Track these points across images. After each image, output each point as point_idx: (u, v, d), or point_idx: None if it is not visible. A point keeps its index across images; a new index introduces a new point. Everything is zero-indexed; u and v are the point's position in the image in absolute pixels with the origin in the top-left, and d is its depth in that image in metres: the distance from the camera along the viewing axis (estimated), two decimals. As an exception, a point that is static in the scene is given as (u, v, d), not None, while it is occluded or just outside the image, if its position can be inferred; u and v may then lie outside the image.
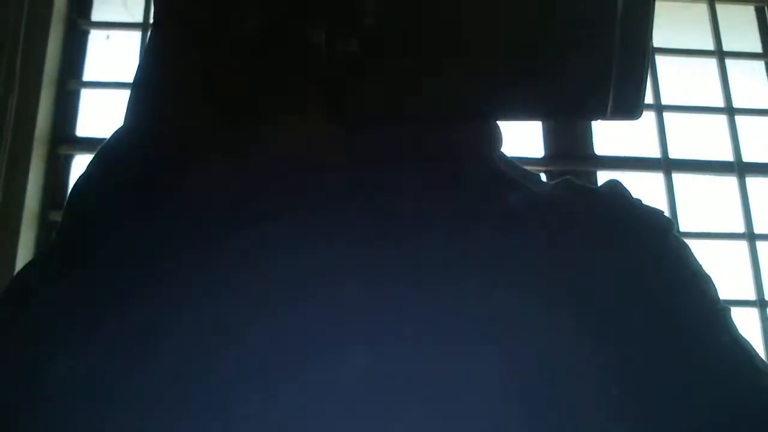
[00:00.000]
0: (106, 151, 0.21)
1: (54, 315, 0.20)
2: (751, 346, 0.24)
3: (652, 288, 0.24)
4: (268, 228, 0.20)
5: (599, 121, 0.20)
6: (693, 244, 0.26)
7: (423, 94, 0.19)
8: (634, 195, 0.25)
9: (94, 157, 0.21)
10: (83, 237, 0.21)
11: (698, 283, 0.25)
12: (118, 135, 0.20)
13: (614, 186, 0.25)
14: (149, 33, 0.20)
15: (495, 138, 0.20)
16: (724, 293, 0.25)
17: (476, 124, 0.20)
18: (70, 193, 0.21)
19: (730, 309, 0.24)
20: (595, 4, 0.19)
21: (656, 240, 0.24)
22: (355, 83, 0.18)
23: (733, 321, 0.25)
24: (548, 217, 0.24)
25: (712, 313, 0.24)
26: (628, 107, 0.20)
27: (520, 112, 0.20)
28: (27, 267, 0.21)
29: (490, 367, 0.21)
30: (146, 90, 0.21)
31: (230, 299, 0.21)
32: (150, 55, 0.21)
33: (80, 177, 0.21)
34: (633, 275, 0.24)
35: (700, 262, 0.25)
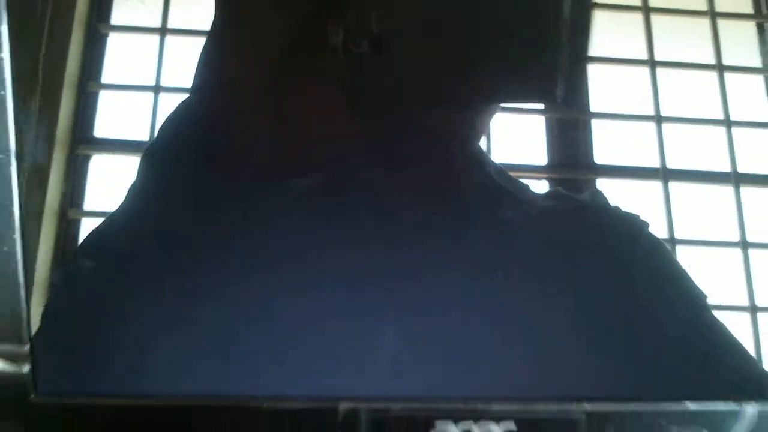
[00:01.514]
0: (175, 114, 0.26)
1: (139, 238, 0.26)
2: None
3: (627, 272, 0.28)
4: (301, 182, 0.26)
5: (546, 105, 0.27)
6: (688, 251, 0.30)
7: (415, 85, 0.26)
8: (615, 202, 0.29)
9: (165, 120, 0.26)
10: (158, 181, 0.26)
11: (672, 272, 0.29)
12: (185, 102, 0.26)
13: (595, 194, 0.29)
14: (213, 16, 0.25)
15: (477, 126, 0.28)
16: (718, 298, 0.29)
17: (460, 113, 0.27)
18: (146, 147, 0.26)
19: (706, 296, 0.28)
20: (548, 15, 0.26)
21: (632, 237, 0.28)
22: (365, 76, 0.26)
23: (708, 306, 0.29)
24: (536, 221, 0.28)
25: (683, 291, 0.28)
26: (571, 95, 0.27)
27: (496, 98, 0.27)
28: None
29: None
30: (208, 66, 0.26)
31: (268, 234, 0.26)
32: (213, 39, 0.26)
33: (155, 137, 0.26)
34: (611, 263, 0.28)
35: (675, 257, 0.29)
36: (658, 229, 0.30)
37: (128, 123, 0.25)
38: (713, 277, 0.28)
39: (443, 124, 0.27)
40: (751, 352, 0.29)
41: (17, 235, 0.27)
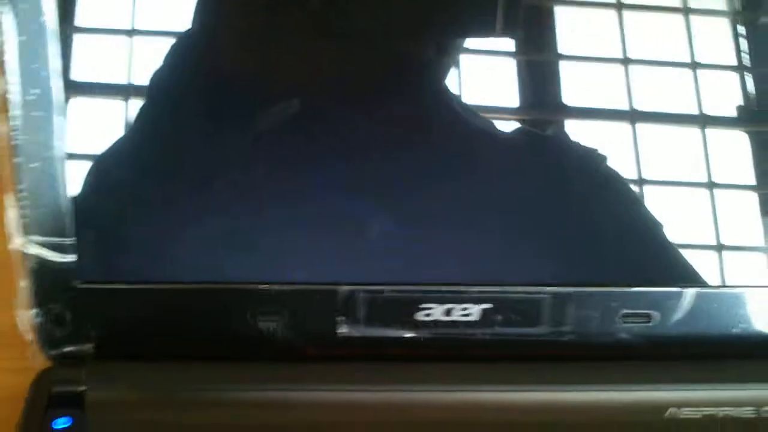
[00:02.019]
0: (177, 45, 0.30)
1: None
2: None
3: (585, 197, 0.33)
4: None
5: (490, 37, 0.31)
6: (656, 191, 0.34)
7: (375, 16, 0.30)
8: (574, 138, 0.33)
9: (168, 51, 0.30)
10: (165, 103, 0.30)
11: (628, 200, 0.33)
12: (186, 34, 0.30)
13: (557, 130, 0.33)
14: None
15: (442, 62, 0.32)
16: (684, 237, 0.33)
17: (424, 48, 0.31)
18: (153, 74, 0.31)
19: (662, 225, 0.33)
20: None
21: (591, 167, 0.32)
22: (331, 9, 0.30)
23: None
24: (500, 152, 0.33)
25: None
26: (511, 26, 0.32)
27: (445, 30, 0.31)
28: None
29: None
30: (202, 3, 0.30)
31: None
32: None
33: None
34: (569, 190, 0.33)
35: (631, 189, 0.33)
36: (627, 170, 0.34)
37: (101, 67, 0.29)
38: (681, 216, 0.32)
39: (405, 57, 0.31)
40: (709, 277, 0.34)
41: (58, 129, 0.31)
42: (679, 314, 0.34)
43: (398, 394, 0.33)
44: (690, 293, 0.33)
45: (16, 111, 0.31)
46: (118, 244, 0.32)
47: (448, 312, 0.33)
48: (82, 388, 0.32)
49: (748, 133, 0.35)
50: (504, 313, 0.33)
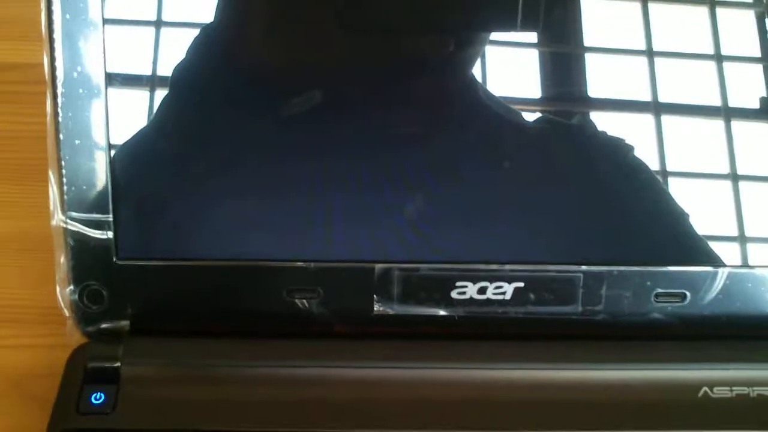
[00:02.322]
0: (200, 37, 0.31)
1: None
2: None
3: (612, 185, 0.33)
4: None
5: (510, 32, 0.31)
6: (680, 183, 0.34)
7: (401, 8, 0.31)
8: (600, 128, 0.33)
9: (192, 42, 0.31)
10: (188, 94, 0.31)
11: (655, 189, 0.33)
12: (209, 27, 0.30)
13: (583, 119, 0.33)
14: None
15: (467, 53, 0.32)
16: (707, 228, 0.34)
17: (442, 35, 0.32)
18: (175, 66, 0.32)
19: (688, 215, 0.33)
20: None
21: (618, 157, 0.33)
22: (356, 7, 0.30)
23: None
24: (526, 141, 0.33)
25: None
26: (532, 22, 0.32)
27: (467, 24, 0.31)
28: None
29: None
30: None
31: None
32: None
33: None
34: (596, 178, 0.33)
35: (658, 179, 0.33)
36: (651, 161, 0.34)
37: (142, 50, 0.29)
38: (704, 207, 0.32)
39: (432, 48, 0.32)
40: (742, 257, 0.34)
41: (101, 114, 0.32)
42: (712, 294, 0.34)
43: (432, 372, 0.33)
44: (724, 272, 0.34)
45: (61, 88, 0.31)
46: (156, 222, 0.33)
47: (481, 290, 0.33)
48: (118, 364, 0.32)
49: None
50: (537, 292, 0.33)
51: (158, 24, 0.32)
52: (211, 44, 0.32)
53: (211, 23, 0.31)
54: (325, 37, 0.32)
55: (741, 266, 0.34)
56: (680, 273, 0.34)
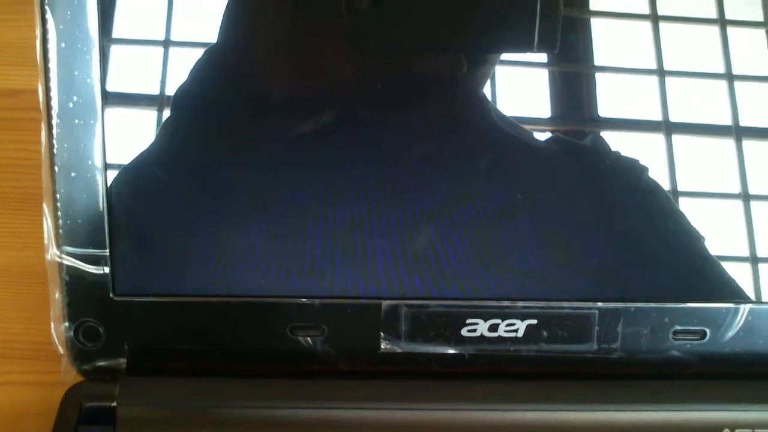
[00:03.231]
0: (203, 59, 0.29)
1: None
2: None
3: (627, 209, 0.32)
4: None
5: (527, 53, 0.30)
6: (691, 203, 0.33)
7: (414, 29, 0.30)
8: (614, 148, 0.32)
9: (195, 64, 0.29)
10: (190, 118, 0.30)
11: (670, 211, 0.32)
12: (212, 49, 0.29)
13: (596, 139, 0.32)
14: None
15: (479, 73, 0.31)
16: (719, 248, 0.32)
17: (460, 59, 0.30)
18: (178, 88, 0.31)
19: (703, 237, 0.32)
20: None
21: (632, 179, 0.32)
22: (367, 26, 0.29)
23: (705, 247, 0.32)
24: (538, 162, 0.32)
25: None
26: (548, 43, 0.31)
27: (482, 46, 0.30)
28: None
29: None
30: (233, 17, 0.30)
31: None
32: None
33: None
34: (611, 201, 0.32)
35: (673, 200, 0.32)
36: (662, 181, 0.33)
37: (139, 77, 0.28)
38: (716, 227, 0.31)
39: (445, 69, 0.31)
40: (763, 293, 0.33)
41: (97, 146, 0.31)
42: (733, 331, 0.32)
43: (441, 413, 0.32)
44: (745, 309, 0.32)
45: (56, 119, 0.30)
46: (154, 257, 0.31)
47: (493, 328, 0.32)
48: (114, 404, 0.31)
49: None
50: (551, 330, 0.32)
51: (157, 53, 0.31)
52: (214, 67, 0.30)
53: (214, 45, 0.30)
54: (334, 59, 0.30)
55: (763, 302, 0.33)
56: (699, 309, 0.32)
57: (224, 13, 0.30)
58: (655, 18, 0.32)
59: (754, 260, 0.33)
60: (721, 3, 0.32)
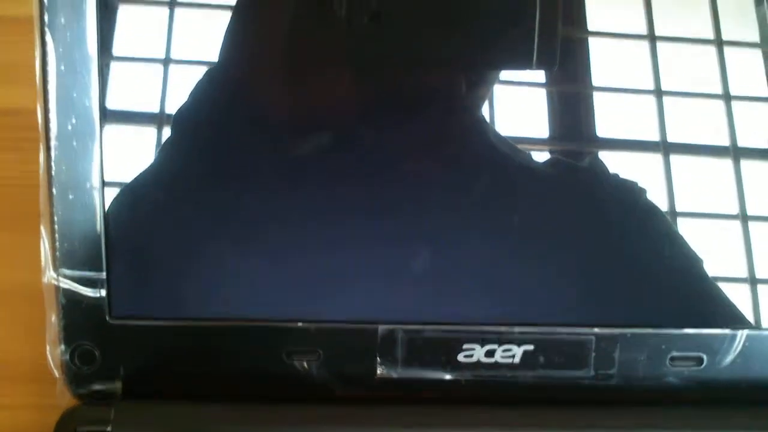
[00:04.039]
0: (203, 80, 0.29)
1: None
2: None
3: (625, 231, 0.32)
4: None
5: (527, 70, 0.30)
6: (689, 223, 0.33)
7: (414, 46, 0.30)
8: (614, 170, 0.32)
9: (195, 85, 0.29)
10: (190, 138, 0.30)
11: (668, 233, 0.32)
12: (213, 70, 0.29)
13: (594, 161, 0.32)
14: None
15: (477, 93, 0.31)
16: (717, 269, 0.32)
17: (457, 78, 0.30)
18: (178, 109, 0.31)
19: (702, 260, 0.32)
20: None
21: (630, 201, 0.32)
22: (366, 43, 0.29)
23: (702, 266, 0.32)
24: (536, 184, 0.32)
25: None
26: (548, 61, 0.31)
27: (482, 64, 0.31)
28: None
29: None
30: (233, 38, 0.30)
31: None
32: (236, 15, 0.30)
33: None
34: (609, 224, 0.32)
35: (671, 223, 0.32)
36: (659, 201, 0.33)
37: (137, 99, 0.29)
38: (714, 249, 0.31)
39: (444, 86, 0.31)
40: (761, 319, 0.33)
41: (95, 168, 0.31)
42: (730, 357, 0.32)
43: (437, 439, 0.31)
44: (742, 335, 0.32)
45: (54, 141, 0.30)
46: (151, 280, 0.31)
47: (489, 353, 0.32)
48: (108, 428, 0.31)
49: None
50: (548, 355, 0.32)
51: (155, 76, 0.31)
52: (215, 87, 0.31)
53: (214, 67, 0.31)
54: (334, 77, 0.31)
55: (760, 328, 0.33)
56: (697, 335, 0.32)
57: (224, 33, 0.30)
58: (652, 38, 0.33)
59: (753, 282, 0.33)
60: (718, 23, 0.32)
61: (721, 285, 0.33)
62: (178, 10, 0.32)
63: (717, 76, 0.33)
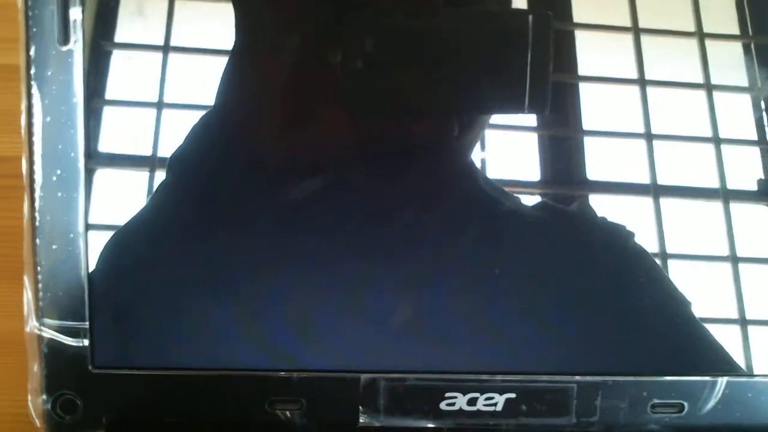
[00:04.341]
0: (199, 124, 0.30)
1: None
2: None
3: (612, 275, 0.32)
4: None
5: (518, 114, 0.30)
6: (678, 265, 0.33)
7: (406, 91, 0.30)
8: (602, 214, 0.32)
9: (191, 129, 0.29)
10: (186, 183, 0.30)
11: (656, 277, 0.32)
12: (209, 114, 0.29)
13: (582, 205, 0.33)
14: (234, 39, 0.29)
15: (467, 138, 0.32)
16: (708, 311, 0.33)
17: (449, 124, 0.31)
18: (173, 152, 0.31)
19: (690, 303, 0.32)
20: (513, 38, 0.30)
21: (618, 245, 0.32)
22: (359, 88, 0.29)
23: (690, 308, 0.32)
24: (525, 229, 0.32)
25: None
26: (539, 105, 0.31)
27: (474, 108, 0.31)
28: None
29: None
30: (229, 82, 0.30)
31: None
32: (233, 59, 0.30)
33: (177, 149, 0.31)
34: (597, 267, 0.32)
35: (659, 266, 0.32)
36: (650, 244, 0.33)
37: (132, 138, 0.29)
38: (704, 290, 0.32)
39: (436, 131, 0.31)
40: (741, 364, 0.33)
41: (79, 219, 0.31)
42: (710, 403, 0.33)
43: (420, 488, 0.31)
44: (722, 381, 0.33)
45: (39, 191, 0.30)
46: (133, 330, 0.31)
47: (472, 401, 0.32)
48: (90, 479, 0.31)
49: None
50: (529, 403, 0.32)
51: (142, 128, 0.32)
52: (210, 132, 0.31)
53: (209, 112, 0.31)
54: (327, 122, 0.31)
55: (740, 375, 0.33)
56: (677, 382, 0.33)
57: (220, 78, 0.31)
58: (642, 83, 0.33)
59: (743, 323, 0.34)
60: (707, 68, 0.33)
61: (710, 327, 0.33)
62: (171, 55, 0.32)
63: (707, 119, 0.34)
